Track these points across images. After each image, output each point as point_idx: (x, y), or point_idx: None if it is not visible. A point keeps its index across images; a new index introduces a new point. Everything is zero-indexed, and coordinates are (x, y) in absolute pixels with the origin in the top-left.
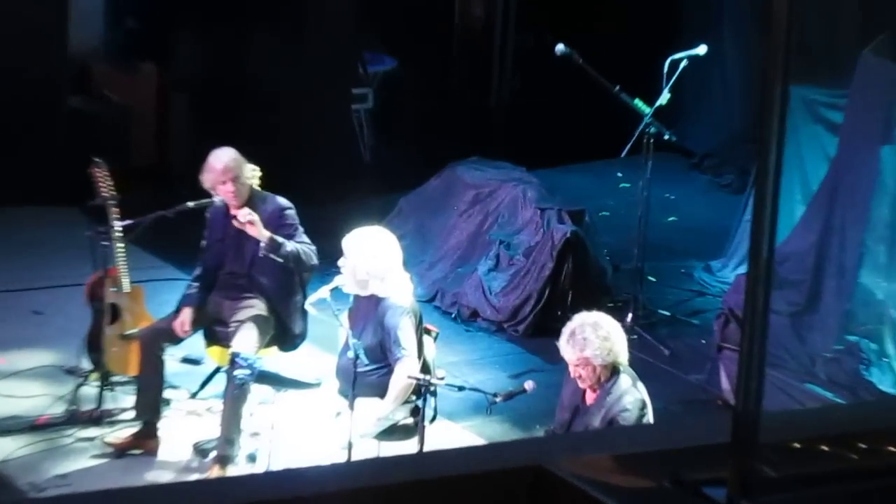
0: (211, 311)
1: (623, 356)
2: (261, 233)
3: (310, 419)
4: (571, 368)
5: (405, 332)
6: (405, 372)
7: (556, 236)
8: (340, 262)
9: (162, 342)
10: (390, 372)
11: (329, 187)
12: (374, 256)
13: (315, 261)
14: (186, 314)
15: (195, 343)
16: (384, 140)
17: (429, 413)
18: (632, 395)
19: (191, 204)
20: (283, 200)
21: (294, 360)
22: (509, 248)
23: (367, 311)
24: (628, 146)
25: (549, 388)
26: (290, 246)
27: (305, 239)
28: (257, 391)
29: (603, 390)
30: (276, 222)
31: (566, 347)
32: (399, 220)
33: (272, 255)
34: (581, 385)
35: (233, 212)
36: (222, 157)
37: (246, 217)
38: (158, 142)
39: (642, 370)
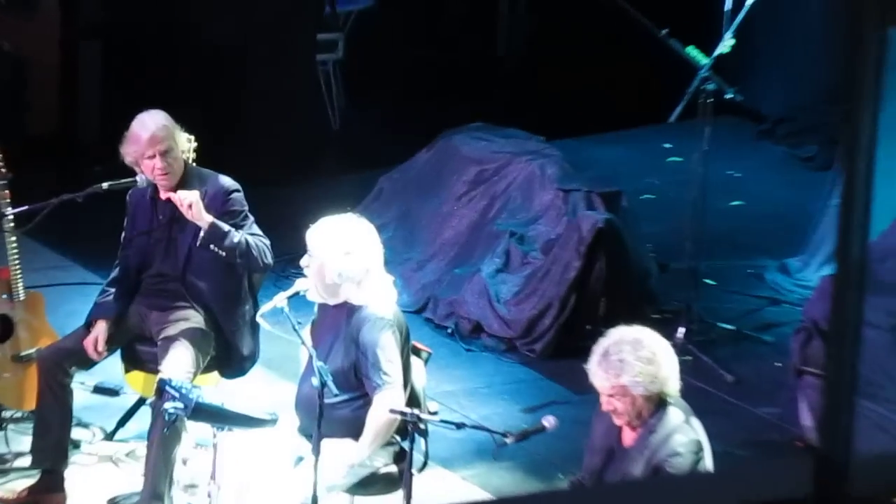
0: (132, 324)
1: (672, 384)
2: (201, 216)
3: (262, 467)
4: (604, 399)
5: (386, 351)
6: (386, 405)
7: (585, 226)
8: (303, 262)
9: (68, 366)
10: (367, 404)
11: (287, 163)
12: (346, 253)
13: (269, 259)
14: (100, 329)
15: (111, 367)
16: (359, 101)
17: (418, 459)
18: (684, 435)
19: (106, 185)
20: (227, 180)
21: (242, 388)
22: (522, 241)
23: (337, 324)
24: (679, 108)
25: (576, 426)
26: (237, 236)
27: (257, 230)
28: (193, 430)
29: (646, 428)
30: (217, 208)
31: (598, 372)
32: (379, 205)
33: (213, 247)
34: (617, 421)
35: (163, 195)
36: (149, 124)
37: (186, 199)
38: (62, 104)
39: (698, 402)
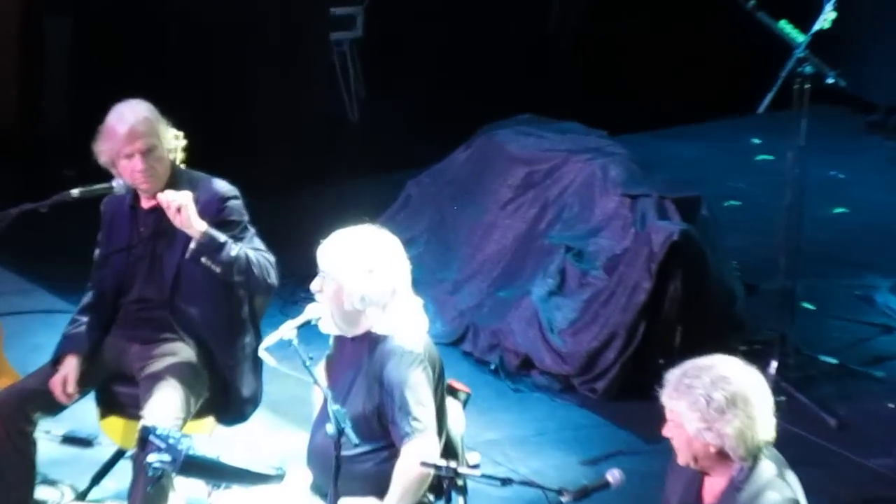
0: (109, 360)
1: (761, 430)
2: (192, 222)
3: None
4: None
5: (417, 392)
6: (417, 457)
7: (657, 240)
8: (314, 285)
9: (31, 411)
10: (394, 456)
11: (296, 165)
12: (367, 272)
13: (274, 278)
14: (70, 366)
15: (84, 412)
16: (381, 89)
17: None
18: (777, 492)
19: (76, 192)
20: (222, 185)
21: (241, 437)
22: (581, 258)
23: (357, 359)
24: (770, 96)
25: (647, 481)
26: (234, 249)
27: (259, 244)
28: (183, 488)
29: (731, 484)
30: (211, 217)
31: (666, 385)
32: (406, 215)
33: (206, 261)
34: (679, 460)
35: (145, 202)
36: (127, 116)
37: (175, 201)
38: (23, 92)
39: (795, 451)
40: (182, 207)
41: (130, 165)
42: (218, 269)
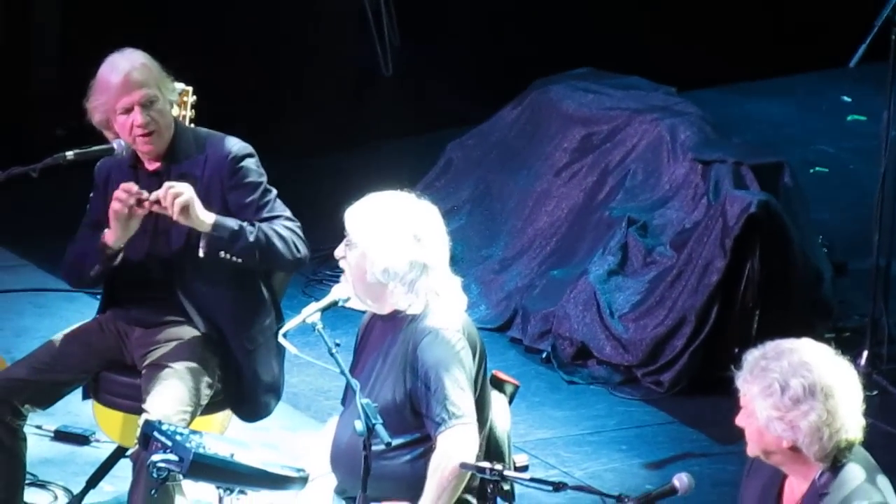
0: (107, 347)
1: (843, 429)
2: (199, 217)
3: None
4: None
5: (454, 375)
6: (455, 453)
7: (732, 212)
8: (338, 251)
9: (19, 403)
10: (430, 452)
11: (323, 125)
12: (395, 242)
13: (303, 250)
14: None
15: (79, 405)
16: (418, 38)
17: None
18: (866, 498)
19: (71, 154)
20: (234, 142)
21: (258, 434)
22: (646, 232)
23: (384, 342)
24: (862, 48)
25: (718, 488)
26: (251, 232)
27: (282, 209)
28: (191, 492)
29: (813, 489)
30: (223, 181)
31: (743, 366)
32: (446, 182)
33: (225, 255)
34: (747, 450)
35: (148, 163)
36: (121, 65)
37: (174, 197)
38: (9, 41)
39: (887, 452)
40: (186, 203)
41: (129, 121)
42: (239, 260)
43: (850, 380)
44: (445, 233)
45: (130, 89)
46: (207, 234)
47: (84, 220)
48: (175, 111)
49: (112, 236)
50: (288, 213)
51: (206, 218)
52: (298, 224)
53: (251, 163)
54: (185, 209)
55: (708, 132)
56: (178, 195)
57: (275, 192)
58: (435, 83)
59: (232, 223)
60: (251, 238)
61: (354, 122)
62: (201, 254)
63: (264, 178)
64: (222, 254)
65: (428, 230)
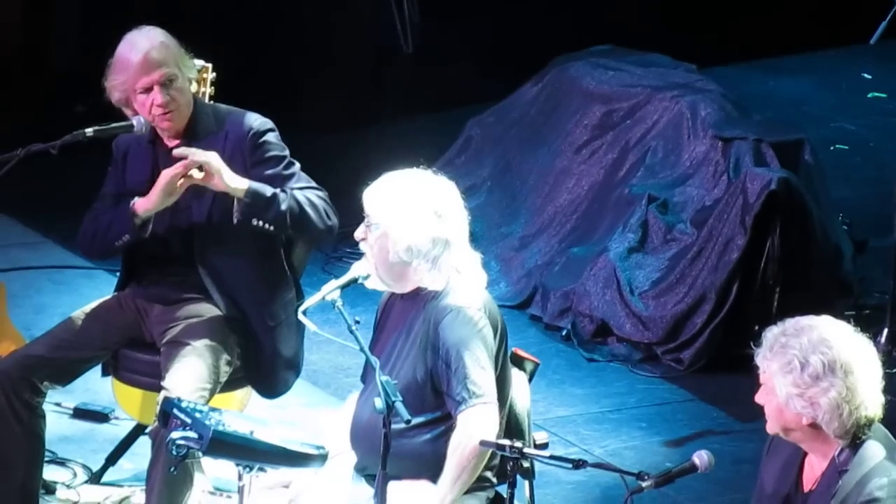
0: (126, 324)
1: (863, 406)
2: (232, 183)
3: None
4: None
5: (475, 353)
6: (475, 432)
7: (752, 189)
8: (358, 233)
9: (38, 380)
10: (451, 430)
11: (341, 101)
12: (416, 220)
13: (334, 218)
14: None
15: (98, 383)
16: (438, 14)
17: None
18: (886, 474)
19: (90, 131)
20: (254, 117)
21: (278, 412)
22: (666, 210)
23: (405, 320)
24: (884, 25)
25: (738, 466)
26: (284, 199)
27: (307, 180)
28: (210, 469)
29: (832, 466)
30: (245, 157)
31: (763, 343)
32: (466, 159)
33: (257, 222)
34: (767, 427)
35: (168, 140)
36: (140, 44)
37: (205, 164)
38: (29, 21)
39: None
40: (213, 170)
41: (148, 100)
42: (272, 228)
43: (869, 356)
44: (464, 208)
45: (150, 69)
46: (241, 200)
47: (101, 193)
48: (194, 88)
49: (147, 204)
50: (313, 183)
51: (239, 184)
52: (326, 193)
53: (272, 137)
54: (210, 172)
55: (728, 109)
56: (204, 159)
57: (298, 164)
58: (455, 60)
59: (266, 189)
60: (283, 206)
61: (374, 98)
62: (235, 220)
63: (287, 152)
64: (255, 221)
65: (448, 206)
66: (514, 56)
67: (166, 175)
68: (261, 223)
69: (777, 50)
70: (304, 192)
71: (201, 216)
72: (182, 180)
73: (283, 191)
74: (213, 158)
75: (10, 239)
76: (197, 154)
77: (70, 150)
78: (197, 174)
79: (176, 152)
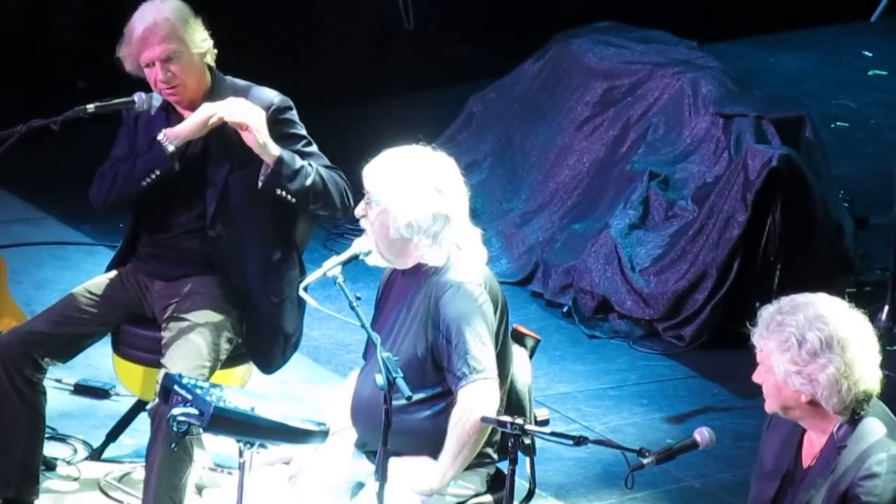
0: (128, 300)
1: (861, 381)
2: (266, 144)
3: (306, 497)
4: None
5: (475, 329)
6: (476, 408)
7: (753, 165)
8: (358, 210)
9: (39, 356)
10: (449, 407)
11: (344, 78)
12: (416, 196)
13: (351, 198)
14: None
15: (99, 358)
16: None
17: (521, 486)
18: (885, 450)
19: (91, 107)
20: (273, 94)
21: (280, 387)
22: (667, 186)
23: (406, 296)
24: (883, 4)
25: (739, 442)
26: (310, 173)
27: (325, 159)
28: (211, 445)
29: (831, 442)
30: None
31: (758, 323)
32: (468, 135)
33: (280, 192)
34: (766, 406)
35: (184, 112)
36: (146, 17)
37: (241, 115)
38: None
39: None
40: (249, 125)
41: (152, 74)
42: (294, 200)
43: (865, 332)
44: (464, 184)
45: (151, 44)
46: (271, 167)
47: (111, 154)
48: (209, 60)
49: (180, 132)
50: (329, 162)
51: (273, 149)
52: (342, 173)
53: (292, 114)
54: (246, 126)
55: (729, 86)
56: (243, 112)
57: (314, 144)
58: (456, 36)
59: (296, 160)
60: (308, 180)
61: (376, 75)
62: (260, 186)
63: (304, 130)
64: (279, 190)
65: (448, 182)
66: (516, 32)
67: (208, 108)
68: (284, 193)
69: (778, 26)
70: (327, 171)
71: (216, 189)
72: (216, 118)
73: (310, 165)
74: (254, 114)
75: (11, 215)
76: (237, 114)
77: (72, 126)
78: (233, 118)
79: (229, 99)
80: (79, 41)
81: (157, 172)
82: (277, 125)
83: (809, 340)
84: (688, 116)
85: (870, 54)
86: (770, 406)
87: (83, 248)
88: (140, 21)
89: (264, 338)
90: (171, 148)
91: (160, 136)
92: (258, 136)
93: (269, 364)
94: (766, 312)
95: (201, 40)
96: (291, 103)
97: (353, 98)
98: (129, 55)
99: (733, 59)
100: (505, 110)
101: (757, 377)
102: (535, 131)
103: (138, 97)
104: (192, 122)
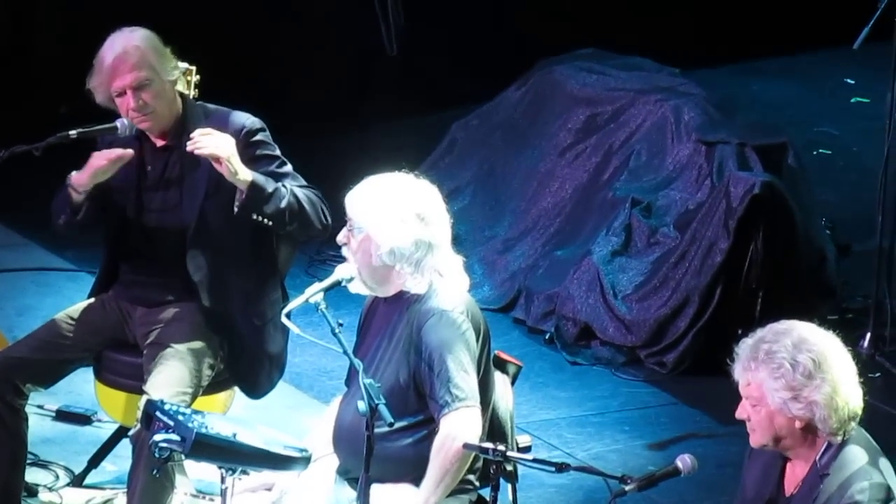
0: (109, 326)
1: (853, 396)
2: (239, 172)
3: None
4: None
5: (458, 357)
6: (459, 436)
7: (736, 192)
8: (340, 237)
9: (21, 382)
10: (432, 434)
11: (326, 104)
12: (398, 223)
13: (328, 216)
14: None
15: (81, 385)
16: (423, 17)
17: None
18: (867, 478)
19: (74, 133)
20: (245, 117)
21: (262, 414)
22: (650, 213)
23: (389, 323)
24: (867, 30)
25: (721, 469)
26: (284, 195)
27: (300, 178)
28: (193, 472)
29: (814, 470)
30: (238, 153)
31: (739, 357)
32: (450, 162)
33: (256, 216)
34: (752, 441)
35: (157, 141)
36: (115, 46)
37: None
38: (12, 20)
39: (890, 434)
40: (221, 157)
41: (124, 104)
42: (270, 223)
43: (842, 350)
44: (447, 211)
45: (121, 72)
46: (245, 193)
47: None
48: (181, 87)
49: (81, 179)
50: (300, 179)
51: (245, 174)
52: (319, 192)
53: (265, 136)
54: (218, 159)
55: (712, 113)
56: (215, 144)
57: (289, 164)
58: (439, 63)
59: (269, 183)
60: (283, 202)
61: (359, 101)
62: (236, 212)
63: (278, 151)
64: (255, 215)
65: (430, 209)
66: (499, 59)
67: (102, 156)
68: (260, 217)
69: (760, 53)
70: (303, 190)
71: (192, 214)
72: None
73: (284, 186)
74: (225, 145)
75: None
76: (207, 147)
77: (54, 152)
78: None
79: (197, 132)
80: (61, 67)
81: (64, 216)
82: (250, 147)
83: (802, 363)
84: (670, 143)
85: (852, 81)
86: (758, 439)
87: (65, 273)
88: (110, 50)
89: (249, 362)
90: (76, 198)
91: (69, 180)
92: (230, 165)
93: (255, 388)
94: (746, 346)
95: (172, 68)
96: (263, 125)
97: (335, 124)
98: (99, 85)
99: (716, 85)
100: (487, 137)
101: (741, 412)
102: (518, 158)
103: (121, 123)
104: (89, 170)
